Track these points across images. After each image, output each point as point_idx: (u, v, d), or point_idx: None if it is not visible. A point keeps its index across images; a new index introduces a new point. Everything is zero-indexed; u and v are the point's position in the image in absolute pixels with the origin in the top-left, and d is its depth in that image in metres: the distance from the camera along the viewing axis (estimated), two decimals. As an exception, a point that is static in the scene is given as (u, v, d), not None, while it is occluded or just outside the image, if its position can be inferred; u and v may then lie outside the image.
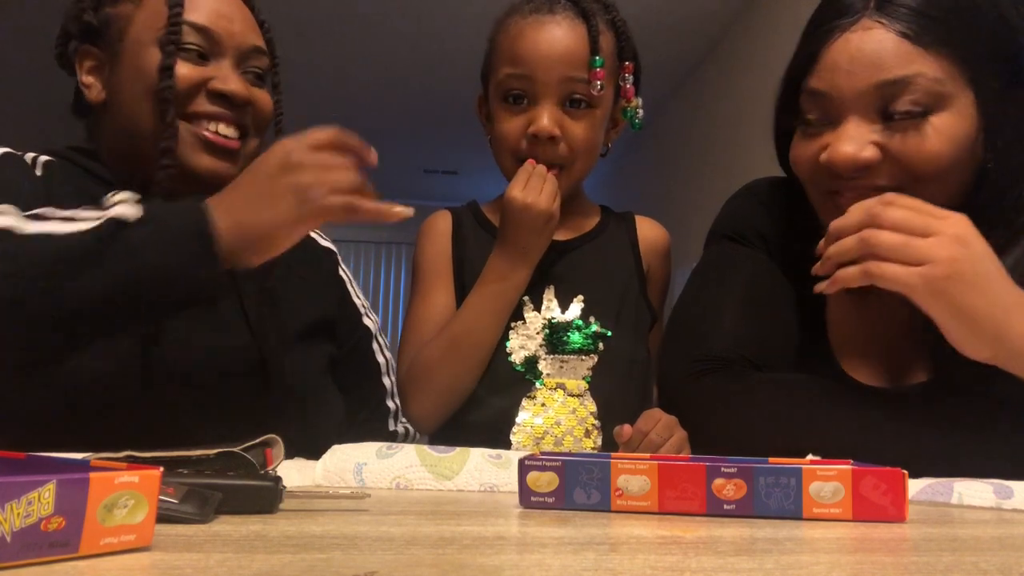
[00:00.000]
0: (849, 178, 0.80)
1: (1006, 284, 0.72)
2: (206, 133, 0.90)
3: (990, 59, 0.79)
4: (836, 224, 0.76)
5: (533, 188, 0.94)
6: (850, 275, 0.74)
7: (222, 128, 0.91)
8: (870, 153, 0.79)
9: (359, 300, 1.12)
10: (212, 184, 0.89)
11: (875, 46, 0.78)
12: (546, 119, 0.96)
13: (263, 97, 0.96)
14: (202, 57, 0.91)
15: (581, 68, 0.97)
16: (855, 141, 0.79)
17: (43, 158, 0.93)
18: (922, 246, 0.71)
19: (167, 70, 0.87)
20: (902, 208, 0.73)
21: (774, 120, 0.93)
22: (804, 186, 0.88)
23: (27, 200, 0.79)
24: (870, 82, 0.78)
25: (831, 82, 0.80)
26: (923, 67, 0.77)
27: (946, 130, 0.78)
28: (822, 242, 0.78)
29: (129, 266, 0.69)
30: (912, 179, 0.79)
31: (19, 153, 0.92)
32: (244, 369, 0.90)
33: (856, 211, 0.75)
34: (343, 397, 1.02)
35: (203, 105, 0.90)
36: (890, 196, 0.74)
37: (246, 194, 0.76)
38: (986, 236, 0.78)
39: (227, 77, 0.91)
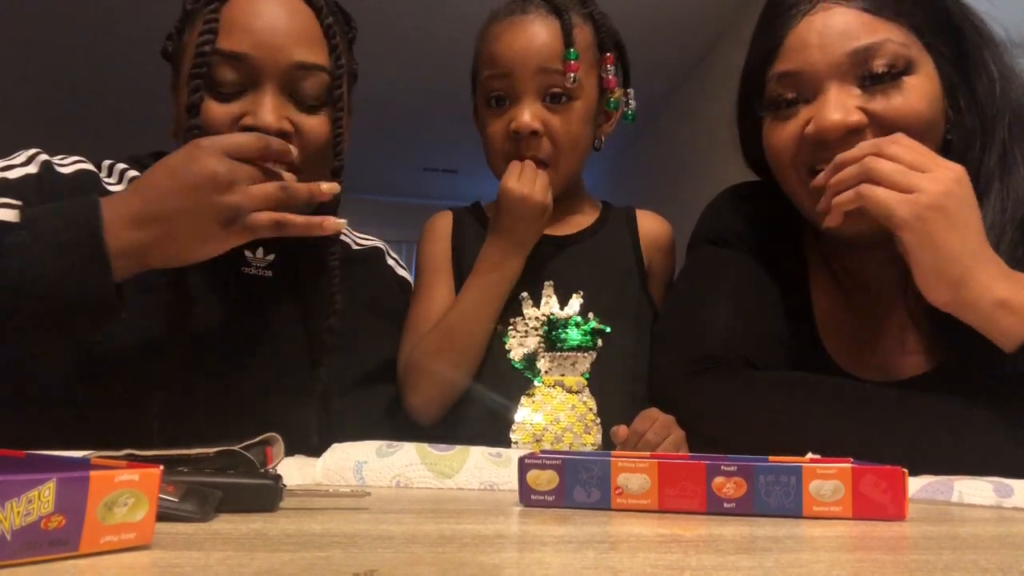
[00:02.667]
0: (836, 148, 0.81)
1: (981, 236, 0.74)
2: None
3: (937, 30, 0.83)
4: (841, 156, 0.78)
5: (527, 179, 0.95)
6: (846, 198, 0.76)
7: None
8: (857, 117, 0.81)
9: None
10: None
11: (841, 20, 0.82)
12: (526, 115, 0.97)
13: (310, 124, 0.87)
14: (240, 88, 0.84)
15: (556, 61, 0.98)
16: (841, 107, 0.81)
17: (131, 173, 0.91)
18: (917, 177, 0.74)
19: (191, 109, 0.82)
20: (905, 146, 0.76)
21: (737, 120, 0.94)
22: (781, 175, 0.89)
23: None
24: (843, 51, 0.81)
25: (804, 60, 0.83)
26: (889, 34, 0.81)
27: (921, 88, 0.81)
28: (822, 174, 0.80)
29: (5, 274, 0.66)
30: None
31: (93, 169, 0.90)
32: (307, 409, 0.88)
33: (863, 144, 0.77)
34: (398, 435, 0.99)
35: None
36: (896, 136, 0.77)
37: (161, 205, 0.71)
38: None
39: (259, 109, 0.83)
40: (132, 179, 0.90)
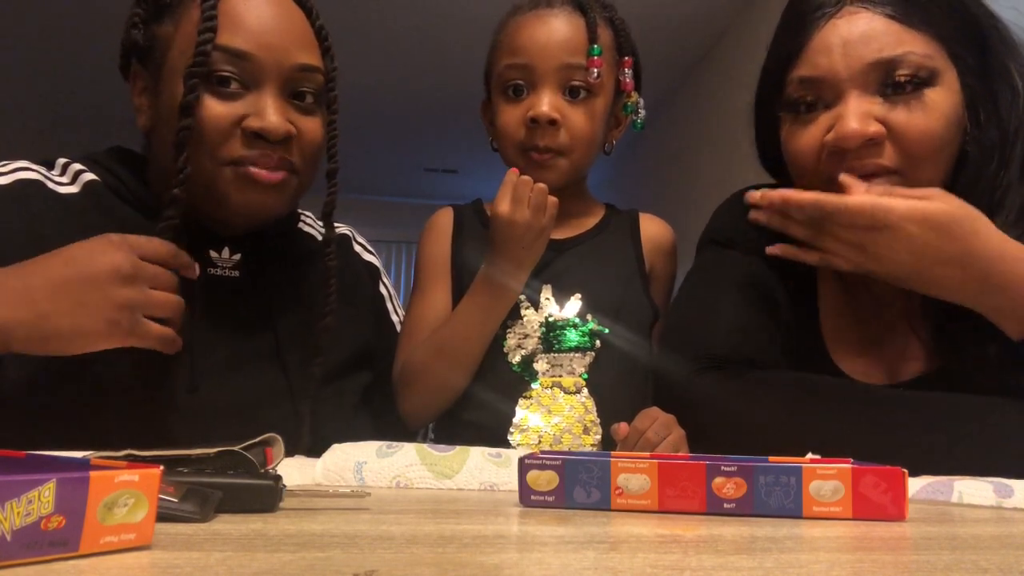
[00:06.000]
0: (855, 157, 0.81)
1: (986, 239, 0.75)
2: (251, 170, 0.83)
3: (964, 40, 0.82)
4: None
5: (520, 202, 0.92)
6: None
7: (261, 165, 0.84)
8: (876, 128, 0.80)
9: (397, 316, 1.09)
10: (260, 218, 0.88)
11: (865, 27, 0.81)
12: (546, 104, 0.97)
13: (309, 127, 0.87)
14: (241, 86, 0.82)
15: (579, 55, 0.98)
16: (860, 117, 0.80)
17: (87, 176, 0.88)
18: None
19: (186, 108, 0.80)
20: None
21: (755, 121, 0.94)
22: (800, 180, 0.89)
23: (17, 241, 0.77)
24: (866, 61, 0.80)
25: (827, 65, 0.82)
26: (913, 46, 0.80)
27: (941, 104, 0.80)
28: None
29: None
30: (910, 160, 0.81)
31: (41, 177, 0.86)
32: (279, 409, 0.88)
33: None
34: (375, 421, 0.99)
35: (238, 149, 0.82)
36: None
37: (46, 288, 0.68)
38: None
39: (263, 110, 0.82)
40: (87, 183, 0.87)
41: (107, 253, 0.70)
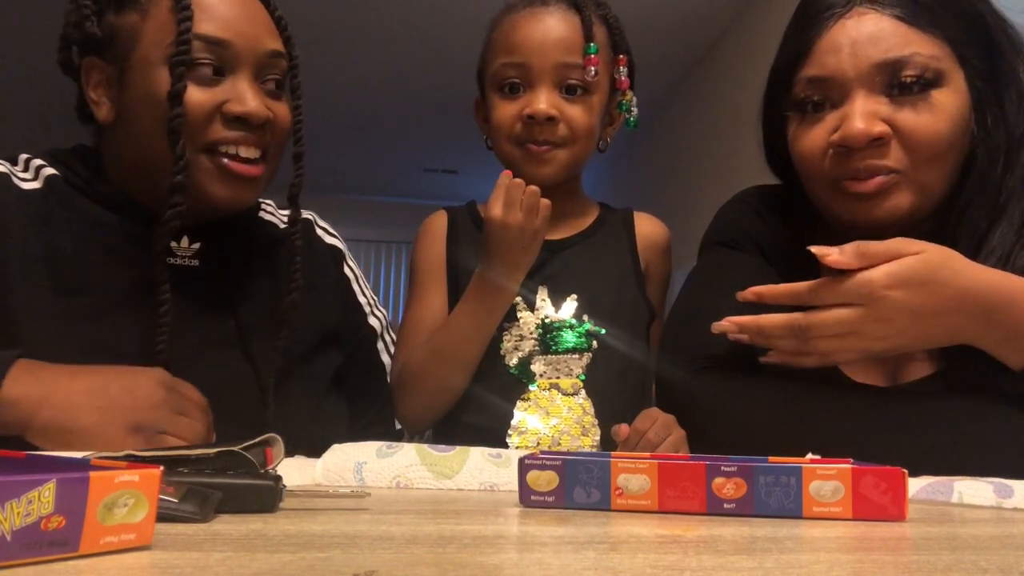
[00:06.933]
0: (860, 158, 0.81)
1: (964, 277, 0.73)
2: (227, 162, 0.85)
3: (972, 42, 0.82)
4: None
5: (512, 205, 0.92)
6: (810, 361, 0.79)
7: (242, 151, 0.86)
8: (881, 128, 0.80)
9: (365, 297, 1.09)
10: (231, 211, 0.89)
11: (873, 28, 0.81)
12: (543, 101, 0.97)
13: (281, 111, 0.90)
14: (216, 73, 0.84)
15: (576, 54, 0.98)
16: (866, 117, 0.80)
17: (47, 171, 0.89)
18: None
19: (176, 97, 0.81)
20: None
21: (762, 120, 0.94)
22: (808, 182, 0.88)
23: None
24: (872, 61, 0.80)
25: (834, 65, 0.82)
26: (920, 47, 0.80)
27: (948, 106, 0.80)
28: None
29: None
30: (915, 161, 0.81)
31: (7, 170, 0.87)
32: (244, 396, 0.88)
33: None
34: (347, 402, 0.99)
35: (219, 132, 0.84)
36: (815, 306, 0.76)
37: (92, 388, 0.72)
38: (970, 216, 0.82)
39: (243, 96, 0.85)
40: (48, 177, 0.88)
41: (151, 376, 0.75)
